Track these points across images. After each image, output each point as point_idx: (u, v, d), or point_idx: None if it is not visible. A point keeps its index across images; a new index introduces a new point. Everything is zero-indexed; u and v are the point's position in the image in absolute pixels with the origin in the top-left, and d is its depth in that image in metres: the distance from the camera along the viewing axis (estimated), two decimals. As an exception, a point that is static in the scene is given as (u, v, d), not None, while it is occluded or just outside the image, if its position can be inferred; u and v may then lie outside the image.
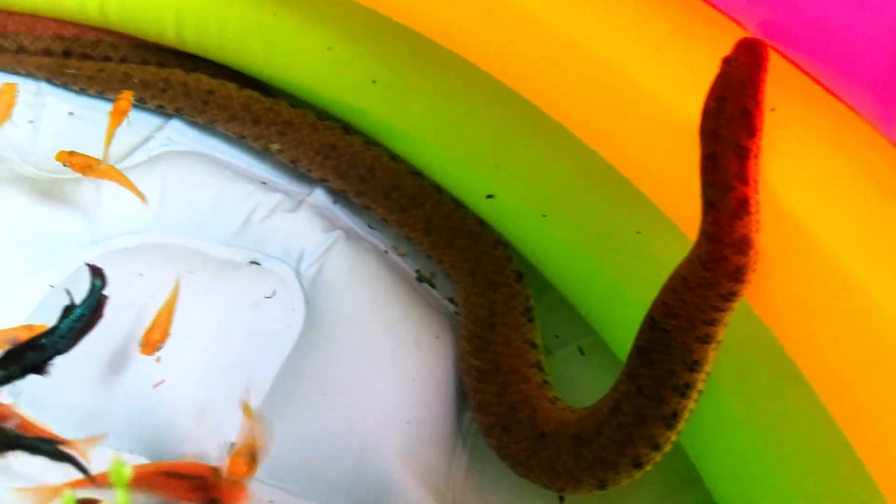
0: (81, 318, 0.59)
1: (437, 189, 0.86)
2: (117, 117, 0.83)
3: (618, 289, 0.71)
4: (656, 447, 0.64)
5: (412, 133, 0.85)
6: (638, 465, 0.64)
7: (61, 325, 0.59)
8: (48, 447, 0.57)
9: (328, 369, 0.77)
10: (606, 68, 0.64)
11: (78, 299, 0.59)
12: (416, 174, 0.87)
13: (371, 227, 0.91)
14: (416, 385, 0.76)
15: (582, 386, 0.79)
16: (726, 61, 0.56)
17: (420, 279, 0.87)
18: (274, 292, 0.83)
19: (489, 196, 0.81)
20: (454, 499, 0.73)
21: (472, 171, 0.81)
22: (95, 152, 0.91)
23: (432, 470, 0.73)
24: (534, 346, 0.76)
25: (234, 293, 0.82)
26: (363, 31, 0.84)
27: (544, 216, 0.76)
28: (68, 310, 0.59)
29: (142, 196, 0.82)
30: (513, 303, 0.78)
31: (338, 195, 0.92)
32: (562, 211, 0.74)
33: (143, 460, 0.73)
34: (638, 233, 0.67)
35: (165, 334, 0.71)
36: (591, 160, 0.68)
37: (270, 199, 0.89)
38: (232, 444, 0.75)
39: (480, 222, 0.84)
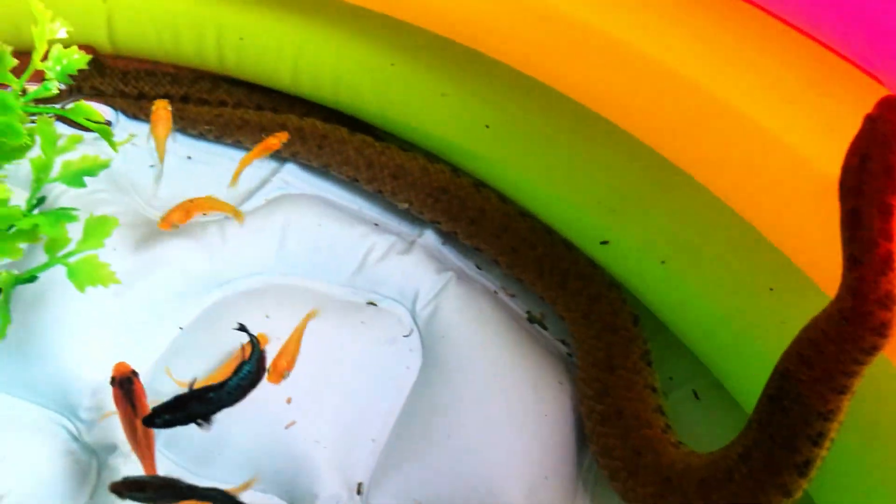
0: (248, 375, 0.62)
1: (548, 230, 0.88)
2: (262, 150, 0.87)
3: (742, 338, 0.72)
4: (788, 494, 0.64)
5: (525, 177, 0.86)
6: (769, 513, 0.65)
7: (230, 382, 0.62)
8: (219, 495, 0.60)
9: (448, 412, 0.79)
10: (738, 118, 0.65)
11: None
12: (527, 216, 0.89)
13: (479, 268, 0.92)
14: (536, 428, 0.78)
15: (698, 429, 0.79)
16: (870, 118, 0.57)
17: (531, 320, 0.88)
18: (412, 331, 0.85)
19: (604, 242, 0.82)
20: (578, 542, 0.75)
21: (587, 216, 0.83)
22: (214, 195, 0.95)
23: (556, 512, 0.75)
24: (654, 390, 0.77)
25: (355, 334, 0.84)
26: (478, 76, 0.85)
27: (663, 262, 0.77)
28: (238, 368, 0.62)
29: (238, 214, 0.85)
30: (632, 346, 0.79)
31: (447, 236, 0.94)
32: (684, 259, 0.75)
33: (279, 501, 0.75)
34: (771, 289, 0.67)
35: (293, 362, 0.73)
36: (719, 210, 0.69)
37: (384, 241, 0.91)
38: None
39: (593, 264, 0.85)
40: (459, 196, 0.91)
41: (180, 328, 0.84)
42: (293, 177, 0.98)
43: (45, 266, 0.64)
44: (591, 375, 0.79)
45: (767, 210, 0.65)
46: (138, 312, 0.83)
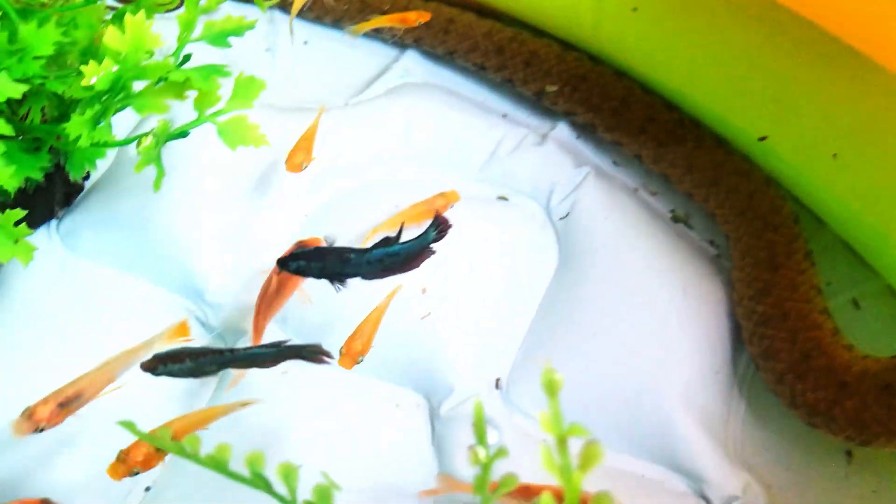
0: (394, 255, 0.56)
1: (697, 124, 0.81)
2: (398, 20, 0.81)
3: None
4: None
5: (675, 65, 0.80)
6: (962, 420, 0.60)
7: (374, 251, 0.56)
8: (267, 353, 0.55)
9: (593, 310, 0.74)
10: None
11: (406, 238, 0.57)
12: (674, 108, 0.83)
13: (616, 164, 0.86)
14: (689, 329, 0.72)
15: (859, 340, 0.73)
16: None
17: (675, 219, 0.82)
18: (557, 220, 0.81)
19: (762, 138, 0.76)
20: (734, 448, 0.70)
21: (745, 108, 0.76)
22: (329, 82, 0.91)
23: (711, 417, 0.70)
24: (819, 290, 0.71)
25: (487, 229, 0.79)
26: (627, -47, 0.79)
27: (835, 156, 0.71)
28: (386, 241, 0.56)
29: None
30: (795, 245, 0.73)
31: (581, 129, 0.88)
32: (861, 151, 0.69)
33: (413, 393, 0.72)
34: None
35: (368, 346, 0.66)
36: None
37: (516, 133, 0.85)
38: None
39: (748, 159, 0.79)
40: (600, 84, 0.84)
41: (305, 215, 0.80)
42: (415, 64, 0.92)
43: (195, 123, 0.59)
44: (751, 275, 0.73)
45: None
46: (262, 199, 0.79)
